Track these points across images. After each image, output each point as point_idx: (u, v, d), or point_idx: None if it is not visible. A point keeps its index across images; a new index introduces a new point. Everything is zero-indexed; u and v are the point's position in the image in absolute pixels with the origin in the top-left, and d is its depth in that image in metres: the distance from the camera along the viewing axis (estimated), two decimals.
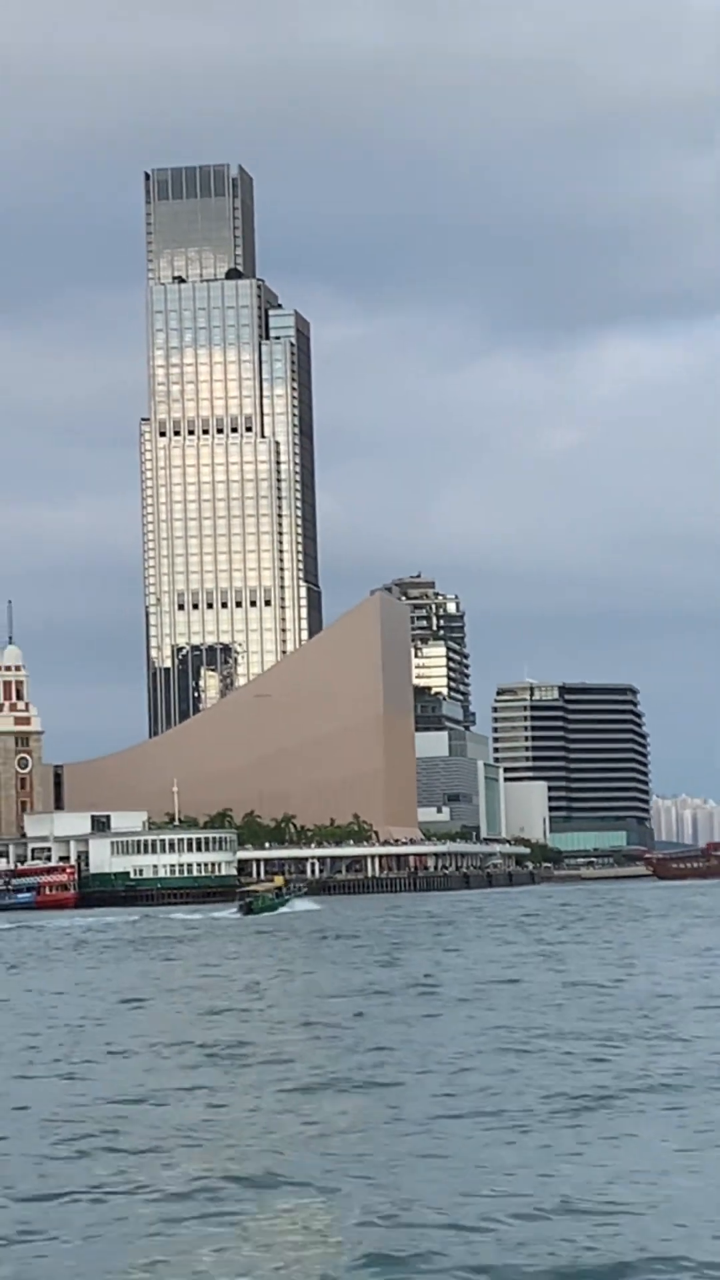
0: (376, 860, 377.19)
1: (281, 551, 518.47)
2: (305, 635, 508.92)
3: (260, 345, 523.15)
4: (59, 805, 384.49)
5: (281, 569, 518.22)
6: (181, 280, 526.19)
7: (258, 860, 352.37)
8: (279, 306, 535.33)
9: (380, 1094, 51.04)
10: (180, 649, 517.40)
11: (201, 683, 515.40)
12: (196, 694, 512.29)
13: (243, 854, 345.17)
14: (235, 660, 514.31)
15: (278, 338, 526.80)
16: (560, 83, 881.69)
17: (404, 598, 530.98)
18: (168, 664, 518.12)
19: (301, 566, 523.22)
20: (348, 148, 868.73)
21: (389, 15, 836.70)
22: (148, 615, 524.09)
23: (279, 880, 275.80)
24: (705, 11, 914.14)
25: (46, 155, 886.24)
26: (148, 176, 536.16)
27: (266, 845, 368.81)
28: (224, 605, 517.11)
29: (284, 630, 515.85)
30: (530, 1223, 33.18)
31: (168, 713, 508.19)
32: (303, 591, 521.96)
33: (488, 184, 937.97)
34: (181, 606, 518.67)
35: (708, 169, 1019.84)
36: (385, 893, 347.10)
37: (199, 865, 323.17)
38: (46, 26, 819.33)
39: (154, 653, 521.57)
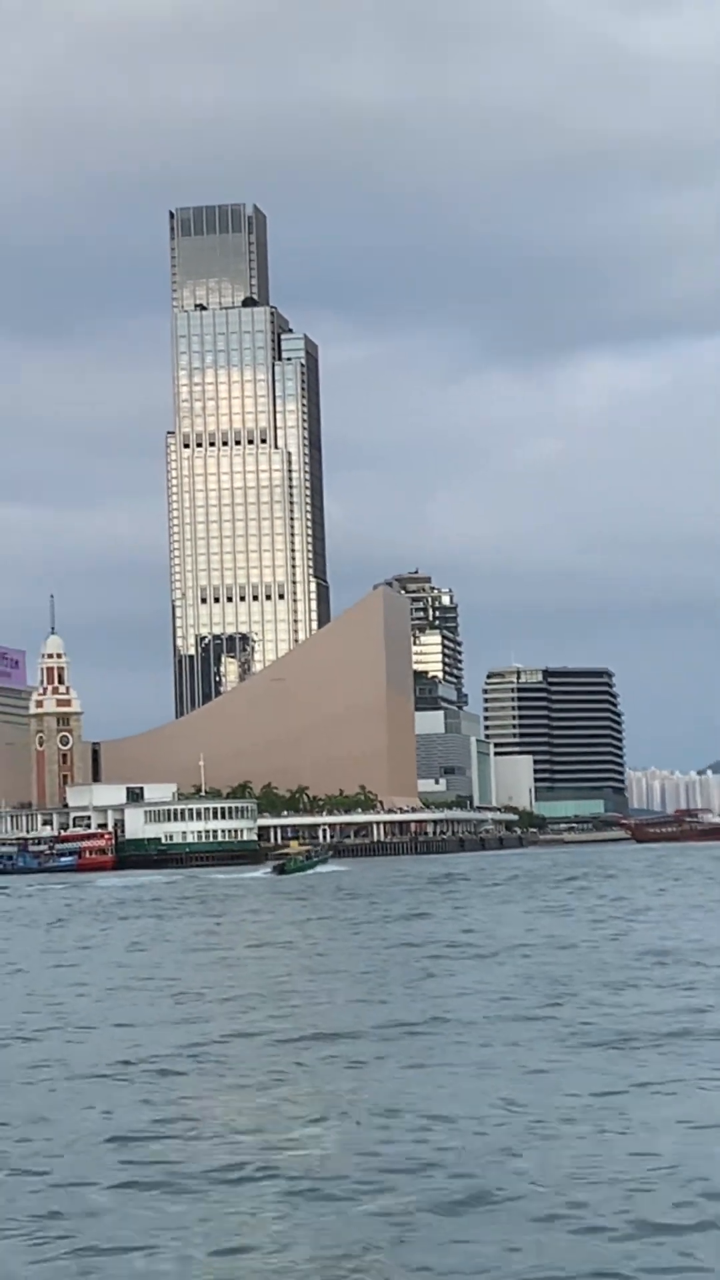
0: (381, 826, 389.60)
1: (293, 550, 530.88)
2: (314, 626, 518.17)
3: (273, 366, 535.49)
4: (96, 778, 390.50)
5: (293, 566, 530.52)
6: (203, 308, 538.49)
7: (275, 827, 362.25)
8: (290, 331, 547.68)
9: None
10: (203, 638, 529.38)
11: (222, 669, 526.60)
12: (217, 679, 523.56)
13: (261, 821, 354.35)
14: (252, 648, 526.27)
15: (289, 359, 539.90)
16: (541, 128, 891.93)
17: (403, 591, 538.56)
18: (191, 652, 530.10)
19: (311, 564, 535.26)
20: (352, 188, 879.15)
21: (389, 68, 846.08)
22: (174, 608, 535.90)
23: (295, 845, 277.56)
24: (670, 64, 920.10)
25: (82, 196, 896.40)
26: (172, 215, 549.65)
27: (284, 814, 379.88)
28: (242, 599, 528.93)
29: (295, 621, 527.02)
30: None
31: (192, 695, 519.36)
32: (312, 586, 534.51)
33: (478, 219, 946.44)
34: (204, 600, 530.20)
35: (674, 206, 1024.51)
36: (389, 855, 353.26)
37: (223, 831, 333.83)
38: (83, 82, 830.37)
39: (179, 642, 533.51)
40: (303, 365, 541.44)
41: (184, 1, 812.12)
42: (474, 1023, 49.39)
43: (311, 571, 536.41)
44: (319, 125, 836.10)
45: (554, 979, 61.81)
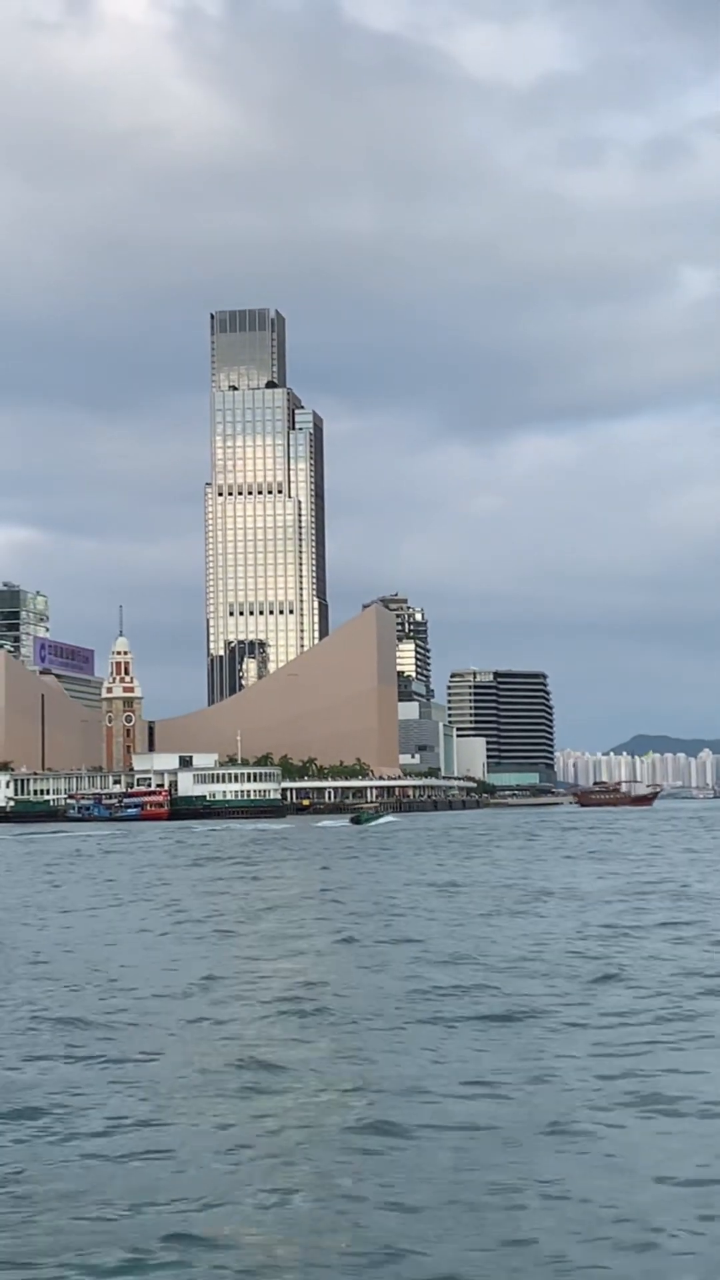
0: (373, 790, 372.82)
1: (301, 576, 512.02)
2: (317, 634, 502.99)
3: (289, 434, 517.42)
4: (152, 749, 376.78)
5: (301, 589, 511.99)
6: (234, 388, 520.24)
7: (292, 789, 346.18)
8: (302, 407, 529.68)
9: None
10: (229, 643, 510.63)
11: (243, 668, 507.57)
12: (240, 675, 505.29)
13: (283, 784, 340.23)
14: (266, 652, 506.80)
15: (300, 429, 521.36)
16: (491, 254, 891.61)
17: (387, 609, 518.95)
18: (221, 653, 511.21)
19: (315, 586, 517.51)
20: (349, 298, 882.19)
21: (377, 205, 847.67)
22: (207, 620, 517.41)
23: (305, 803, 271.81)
24: (593, 207, 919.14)
25: (140, 302, 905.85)
26: (212, 316, 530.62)
27: (304, 778, 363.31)
28: (260, 613, 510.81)
29: (302, 631, 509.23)
30: None
31: (220, 687, 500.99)
32: (315, 604, 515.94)
33: (442, 324, 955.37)
34: (231, 614, 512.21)
35: (593, 318, 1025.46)
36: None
37: (255, 791, 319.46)
38: (142, 214, 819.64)
39: (211, 646, 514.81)
40: (311, 434, 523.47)
41: (221, 153, 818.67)
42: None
43: (315, 592, 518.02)
44: (324, 249, 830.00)
45: None
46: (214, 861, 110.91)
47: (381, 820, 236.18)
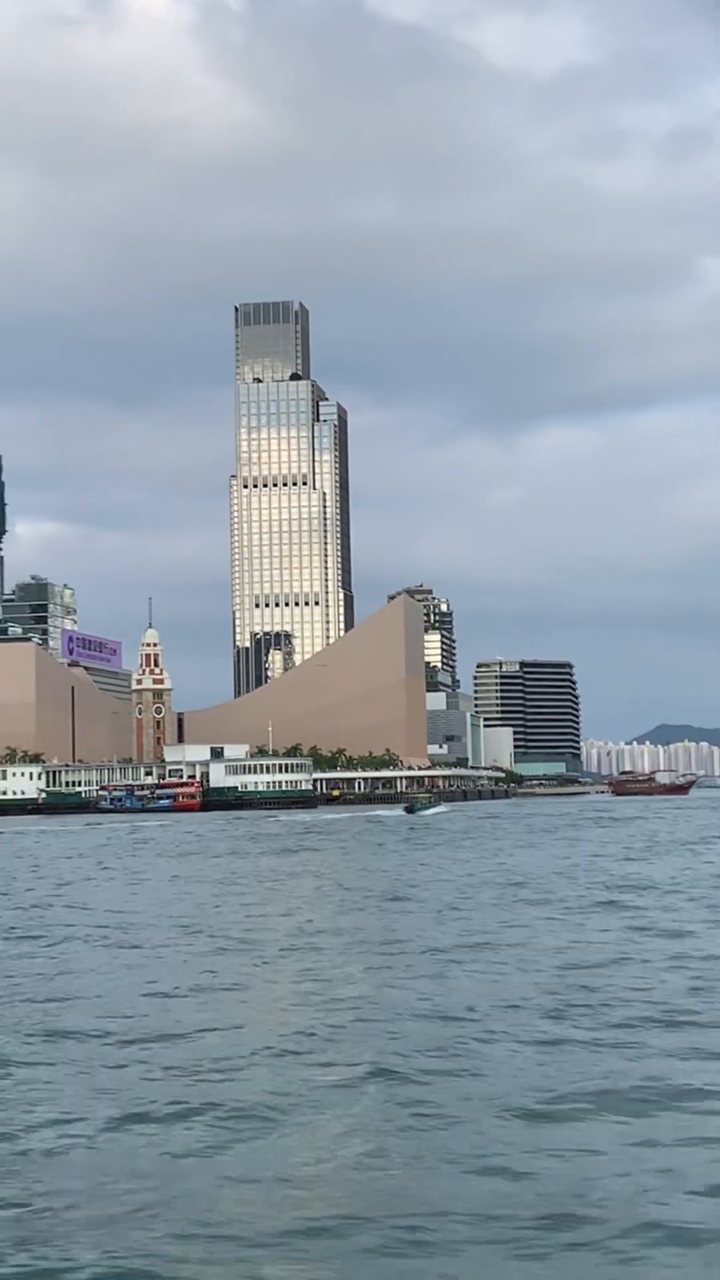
0: (403, 780, 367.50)
1: (326, 568, 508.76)
2: (342, 626, 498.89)
3: (313, 426, 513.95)
4: (180, 740, 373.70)
5: (326, 580, 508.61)
6: (259, 381, 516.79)
7: (323, 780, 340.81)
8: (326, 399, 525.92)
9: None
10: (255, 635, 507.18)
11: (269, 659, 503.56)
12: (266, 666, 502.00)
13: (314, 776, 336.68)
14: (291, 643, 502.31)
15: (325, 421, 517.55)
16: (512, 246, 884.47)
17: (413, 600, 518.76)
18: (247, 645, 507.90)
19: (340, 578, 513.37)
20: (371, 290, 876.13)
21: (398, 197, 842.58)
22: (234, 611, 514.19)
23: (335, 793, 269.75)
24: (614, 199, 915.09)
25: (166, 296, 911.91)
26: (236, 309, 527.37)
27: (333, 769, 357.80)
28: (286, 604, 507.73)
29: (328, 622, 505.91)
30: None
31: (247, 679, 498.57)
32: (340, 595, 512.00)
33: (462, 317, 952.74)
34: (257, 605, 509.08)
35: (613, 310, 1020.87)
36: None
37: (286, 783, 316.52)
38: (167, 209, 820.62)
39: (238, 637, 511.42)
40: (336, 426, 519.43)
41: (243, 146, 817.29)
42: None
43: (340, 583, 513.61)
44: (346, 241, 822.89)
45: None
46: (303, 852, 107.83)
47: (434, 810, 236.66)
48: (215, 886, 70.83)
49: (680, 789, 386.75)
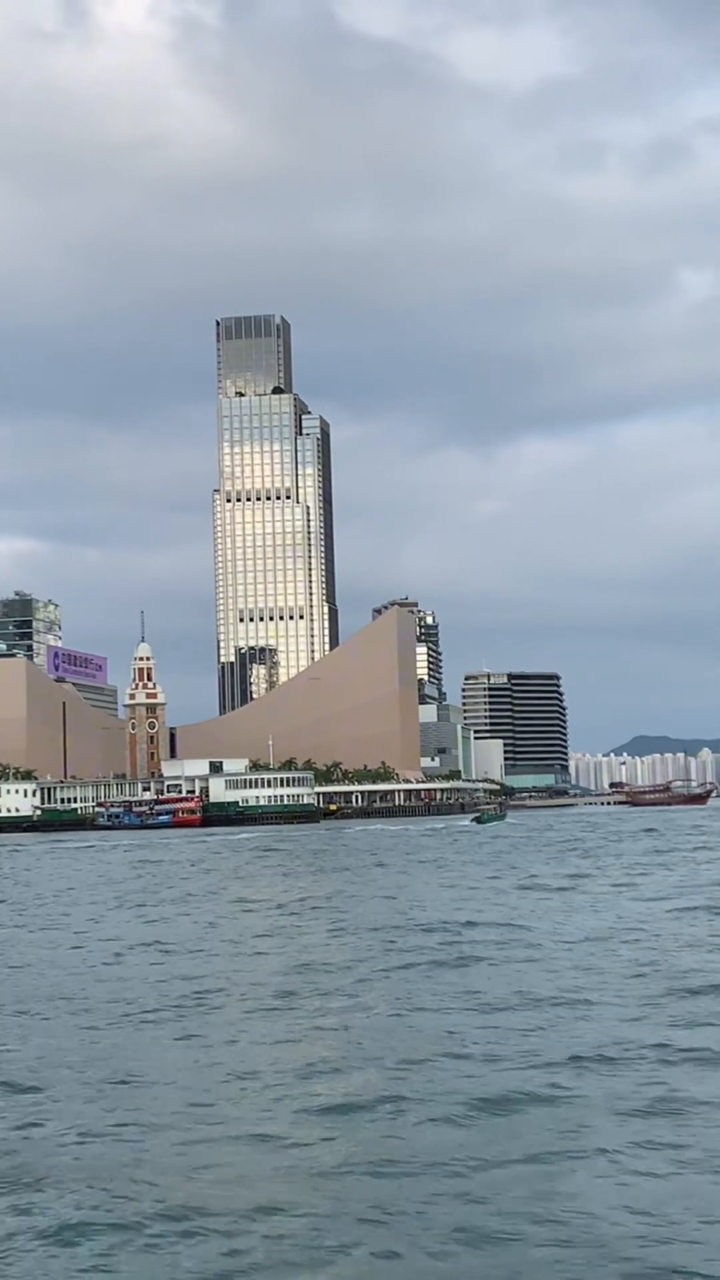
0: (401, 794, 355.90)
1: (310, 582, 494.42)
2: (327, 639, 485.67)
3: (296, 440, 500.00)
4: (173, 755, 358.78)
5: (310, 594, 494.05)
6: (241, 394, 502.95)
7: (320, 793, 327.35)
8: (309, 413, 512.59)
9: None
10: (240, 649, 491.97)
11: (252, 674, 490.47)
12: (250, 681, 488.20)
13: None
14: (275, 658, 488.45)
15: (308, 434, 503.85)
16: (492, 259, 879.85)
17: (405, 611, 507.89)
18: (232, 660, 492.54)
19: (325, 592, 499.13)
20: (350, 304, 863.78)
21: (377, 211, 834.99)
22: (217, 626, 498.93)
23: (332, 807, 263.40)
24: (593, 211, 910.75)
25: (146, 310, 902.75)
26: (218, 323, 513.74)
27: (329, 782, 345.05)
28: (270, 619, 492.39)
29: (312, 636, 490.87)
30: None
31: (232, 694, 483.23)
32: (325, 609, 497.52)
33: (442, 330, 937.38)
34: (241, 620, 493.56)
35: (592, 321, 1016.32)
36: (411, 816, 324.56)
37: (288, 796, 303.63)
38: (146, 222, 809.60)
39: (222, 652, 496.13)
40: (318, 439, 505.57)
41: (222, 161, 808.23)
42: None
43: (324, 597, 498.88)
44: (326, 255, 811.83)
45: None
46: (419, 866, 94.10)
47: (502, 821, 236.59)
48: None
49: (698, 798, 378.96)
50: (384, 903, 62.32)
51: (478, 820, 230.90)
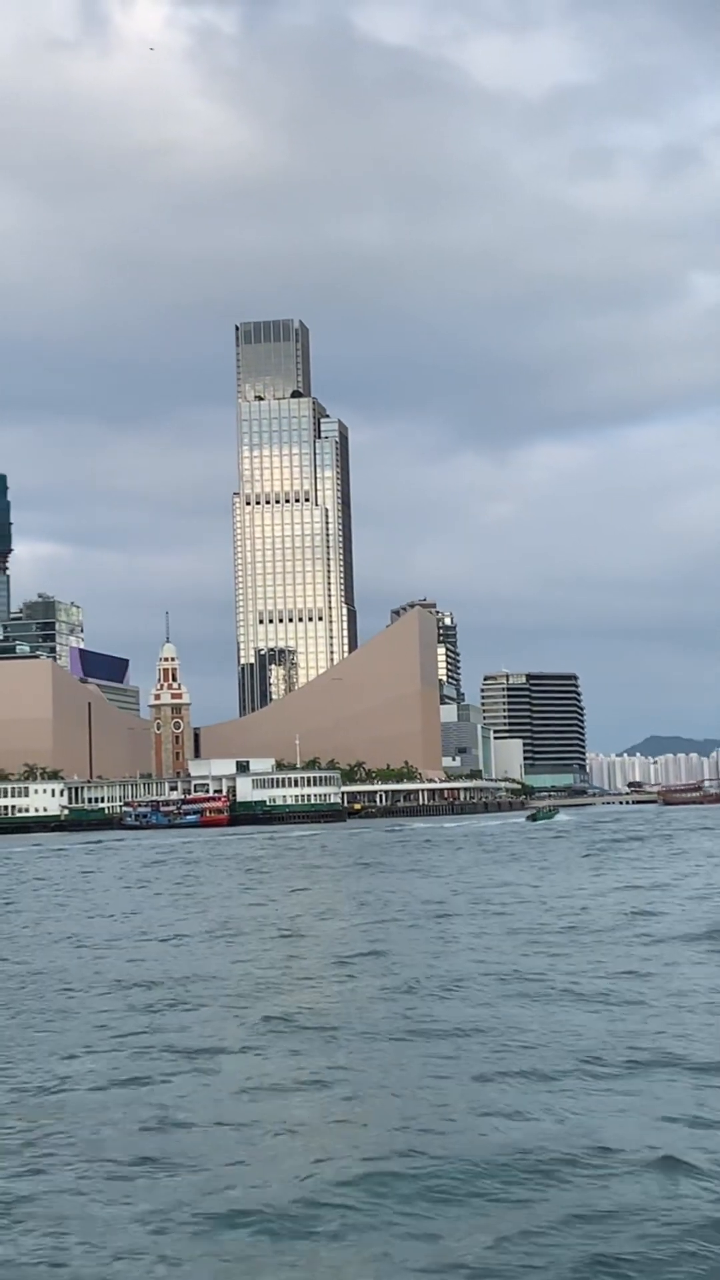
0: (424, 793, 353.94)
1: (329, 584, 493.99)
2: (346, 641, 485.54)
3: (315, 443, 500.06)
4: (198, 754, 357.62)
5: (329, 595, 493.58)
6: (260, 399, 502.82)
7: (345, 793, 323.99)
8: (327, 416, 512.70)
9: None
10: (259, 651, 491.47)
11: (272, 675, 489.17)
12: (269, 682, 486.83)
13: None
14: (295, 659, 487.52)
15: (326, 438, 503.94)
16: (504, 265, 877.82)
17: (426, 612, 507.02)
18: (251, 661, 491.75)
19: (343, 594, 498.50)
20: (363, 309, 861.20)
21: (390, 217, 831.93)
22: (237, 628, 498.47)
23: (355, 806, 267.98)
24: (603, 217, 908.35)
25: (166, 316, 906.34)
26: (237, 328, 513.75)
27: (352, 782, 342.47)
28: (289, 620, 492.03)
29: (331, 638, 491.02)
30: None
31: (252, 695, 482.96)
32: (344, 611, 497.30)
33: (455, 335, 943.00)
34: (260, 622, 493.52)
35: (604, 326, 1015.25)
36: (435, 815, 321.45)
37: (315, 796, 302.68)
38: (165, 230, 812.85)
39: (241, 653, 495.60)
40: (337, 443, 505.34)
41: (238, 168, 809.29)
42: None
43: (343, 599, 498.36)
44: (339, 261, 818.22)
45: None
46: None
47: (557, 818, 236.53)
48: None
49: None
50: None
51: (531, 818, 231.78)
